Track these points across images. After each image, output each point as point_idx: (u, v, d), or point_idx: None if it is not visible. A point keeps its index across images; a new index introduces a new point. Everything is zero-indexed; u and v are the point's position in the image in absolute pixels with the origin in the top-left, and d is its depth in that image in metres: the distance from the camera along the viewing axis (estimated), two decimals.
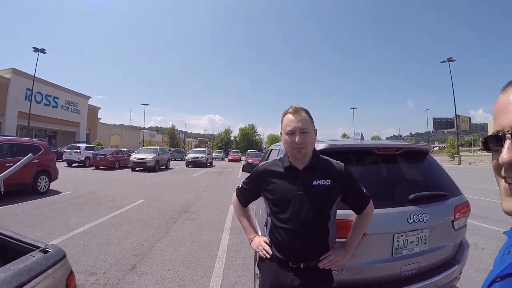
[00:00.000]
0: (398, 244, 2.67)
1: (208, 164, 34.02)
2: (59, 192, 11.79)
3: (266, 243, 2.09)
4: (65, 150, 28.62)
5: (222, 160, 52.08)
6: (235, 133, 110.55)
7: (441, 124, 79.95)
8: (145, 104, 75.74)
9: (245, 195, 2.27)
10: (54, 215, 8.08)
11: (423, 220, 2.73)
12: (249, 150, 49.65)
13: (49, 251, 1.73)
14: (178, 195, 12.47)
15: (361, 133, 3.53)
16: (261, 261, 2.14)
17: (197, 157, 32.32)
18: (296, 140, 1.87)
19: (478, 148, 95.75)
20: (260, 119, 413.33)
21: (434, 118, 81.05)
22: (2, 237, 1.94)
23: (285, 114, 1.97)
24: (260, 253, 2.08)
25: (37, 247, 1.78)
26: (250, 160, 28.90)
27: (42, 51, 38.21)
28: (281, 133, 2.03)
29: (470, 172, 24.76)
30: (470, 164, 35.83)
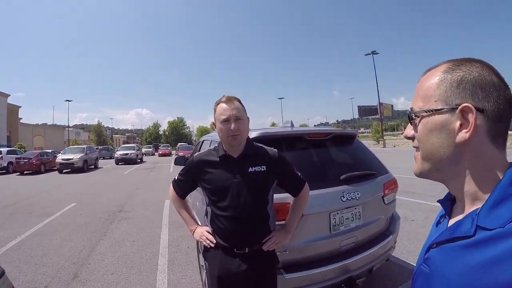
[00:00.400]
0: (335, 221, 2.85)
1: (139, 160, 33.31)
2: None
3: (208, 232, 2.13)
4: None
5: (152, 155, 50.49)
6: (164, 127, 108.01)
7: (365, 111, 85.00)
8: (69, 101, 70.56)
9: (182, 187, 2.28)
10: None
11: (356, 197, 2.95)
12: (179, 144, 48.80)
13: None
14: (111, 194, 12.00)
15: (291, 121, 3.68)
16: (205, 250, 2.17)
17: (127, 154, 31.50)
18: (232, 128, 1.92)
19: (401, 132, 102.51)
20: (189, 111, 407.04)
21: (359, 106, 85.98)
22: None
23: (218, 103, 2.01)
24: (204, 242, 2.12)
25: None
26: (181, 153, 28.58)
27: None
28: (214, 123, 2.07)
29: (394, 153, 26.91)
30: (394, 146, 38.67)
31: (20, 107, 58.45)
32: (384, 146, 38.48)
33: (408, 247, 5.08)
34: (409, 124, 0.85)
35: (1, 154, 24.67)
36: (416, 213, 7.19)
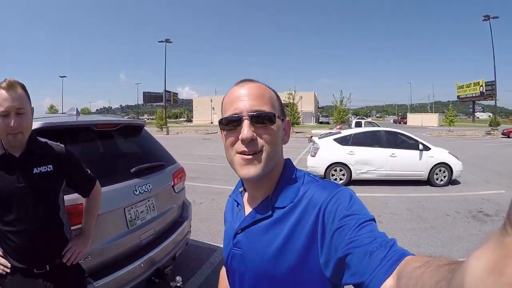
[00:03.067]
0: (131, 216, 2.79)
1: None
2: None
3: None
4: None
5: None
6: None
7: (150, 97, 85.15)
8: None
9: None
10: None
11: (148, 190, 2.95)
12: None
13: None
14: None
15: (76, 108, 3.37)
16: (1, 278, 1.76)
17: None
18: (12, 124, 1.56)
19: (184, 120, 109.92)
20: None
21: (144, 92, 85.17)
22: None
23: None
24: None
25: None
26: None
27: None
28: None
29: (178, 140, 27.82)
30: (177, 134, 39.94)
31: None
32: (168, 133, 39.20)
33: (202, 228, 5.56)
34: (249, 125, 0.87)
35: None
36: (203, 196, 7.83)
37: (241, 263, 0.97)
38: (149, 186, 2.98)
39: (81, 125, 2.97)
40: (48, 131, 2.46)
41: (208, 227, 5.60)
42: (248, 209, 0.99)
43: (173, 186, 3.41)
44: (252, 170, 0.87)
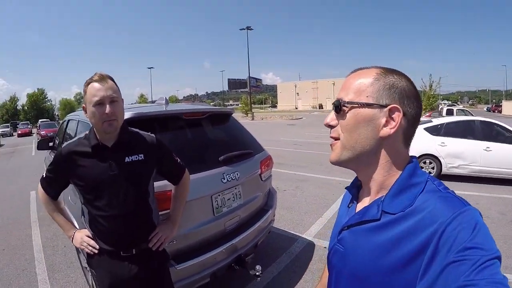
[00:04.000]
0: (217, 204, 2.87)
1: None
2: None
3: (89, 237, 1.90)
4: None
5: (10, 135, 42.33)
6: (23, 100, 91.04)
7: (235, 84, 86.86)
8: None
9: (53, 186, 1.97)
10: None
11: (236, 178, 3.00)
12: (40, 120, 43.39)
13: None
14: None
15: (165, 97, 3.46)
16: (89, 257, 1.94)
17: None
18: (107, 111, 1.68)
19: (268, 105, 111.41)
20: (50, 81, 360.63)
21: (229, 79, 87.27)
22: None
23: (88, 83, 1.74)
24: (86, 249, 1.89)
25: None
26: (43, 132, 25.70)
27: None
28: (84, 107, 1.81)
29: (262, 126, 28.39)
30: (262, 119, 40.75)
31: None
32: (253, 119, 40.24)
33: (284, 216, 5.51)
34: (334, 112, 0.90)
35: None
36: (287, 184, 7.75)
37: (340, 261, 0.95)
38: (237, 174, 3.04)
39: (170, 114, 3.08)
40: (139, 120, 2.63)
41: (290, 215, 5.55)
42: (360, 206, 0.96)
43: (260, 174, 3.43)
44: (331, 156, 0.92)
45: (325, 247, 4.10)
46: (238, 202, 3.07)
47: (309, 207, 5.87)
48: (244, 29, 51.55)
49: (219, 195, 2.89)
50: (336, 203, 5.79)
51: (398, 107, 0.83)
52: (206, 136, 3.34)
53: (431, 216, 0.75)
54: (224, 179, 2.91)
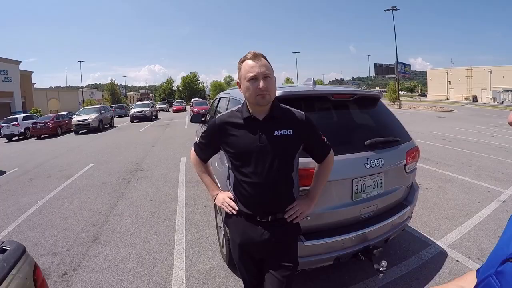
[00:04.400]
0: (357, 189, 2.80)
1: (153, 117, 33.14)
2: (4, 172, 10.60)
3: (230, 198, 2.06)
4: (2, 124, 24.91)
5: (166, 111, 49.97)
6: (178, 82, 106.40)
7: (382, 69, 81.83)
8: (81, 61, 69.24)
9: (204, 151, 2.18)
10: (3, 198, 7.40)
11: (379, 164, 2.87)
12: (193, 99, 48.40)
13: (7, 249, 1.59)
14: (127, 153, 12.16)
15: (313, 79, 3.48)
16: (227, 217, 2.12)
17: (141, 111, 31.26)
18: (261, 86, 1.80)
19: (417, 94, 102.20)
20: (201, 66, 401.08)
21: (375, 64, 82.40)
22: None
23: (243, 60, 1.89)
24: (226, 209, 2.05)
25: None
26: (195, 109, 28.57)
27: None
28: (238, 83, 1.95)
29: (410, 116, 26.22)
30: (410, 108, 37.65)
31: (32, 72, 57.22)
32: (400, 108, 37.39)
33: (421, 216, 5.06)
34: None
35: (17, 120, 24.49)
36: (430, 182, 7.07)
37: None
38: (381, 161, 2.90)
39: (318, 94, 3.10)
40: (288, 99, 2.70)
41: (428, 217, 5.04)
42: None
43: (405, 165, 3.20)
44: None
45: (457, 261, 3.67)
46: (378, 191, 2.94)
47: (450, 212, 5.24)
48: (389, 9, 47.85)
49: (360, 180, 2.82)
50: (481, 214, 5.03)
51: None
52: (352, 119, 3.27)
53: None
54: (367, 164, 2.81)
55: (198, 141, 2.20)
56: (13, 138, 24.08)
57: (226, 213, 2.09)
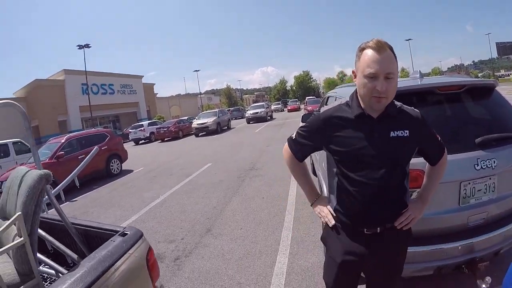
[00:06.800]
0: (465, 193, 2.52)
1: (269, 118, 34.42)
2: (131, 171, 12.58)
3: (329, 211, 1.86)
4: (130, 130, 30.81)
5: (281, 111, 51.21)
6: (291, 82, 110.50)
7: (506, 49, 71.69)
8: (197, 71, 77.73)
9: (302, 148, 1.92)
10: (130, 193, 8.72)
11: (492, 166, 2.54)
12: (307, 97, 48.59)
13: (127, 233, 1.91)
14: (243, 153, 12.90)
15: (420, 71, 3.26)
16: (327, 234, 1.92)
17: (257, 113, 32.87)
18: (379, 88, 1.52)
19: None
20: (313, 64, 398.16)
21: (497, 43, 72.95)
22: (85, 227, 2.17)
23: (363, 48, 1.57)
24: (323, 219, 1.87)
25: (116, 231, 1.96)
26: (309, 108, 28.78)
27: (87, 46, 39.27)
28: (354, 72, 1.68)
29: None
30: None
31: (154, 84, 66.28)
32: None
33: None
34: None
35: (143, 127, 29.68)
36: None
37: None
38: (494, 161, 2.55)
39: (424, 88, 2.83)
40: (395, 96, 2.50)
41: None
42: None
43: None
44: None
45: None
46: (489, 196, 2.60)
47: None
48: None
49: (469, 183, 2.52)
50: None
51: None
52: (462, 113, 2.93)
53: None
54: (478, 165, 2.51)
55: (294, 136, 1.95)
56: (140, 142, 28.53)
57: (326, 229, 1.93)
